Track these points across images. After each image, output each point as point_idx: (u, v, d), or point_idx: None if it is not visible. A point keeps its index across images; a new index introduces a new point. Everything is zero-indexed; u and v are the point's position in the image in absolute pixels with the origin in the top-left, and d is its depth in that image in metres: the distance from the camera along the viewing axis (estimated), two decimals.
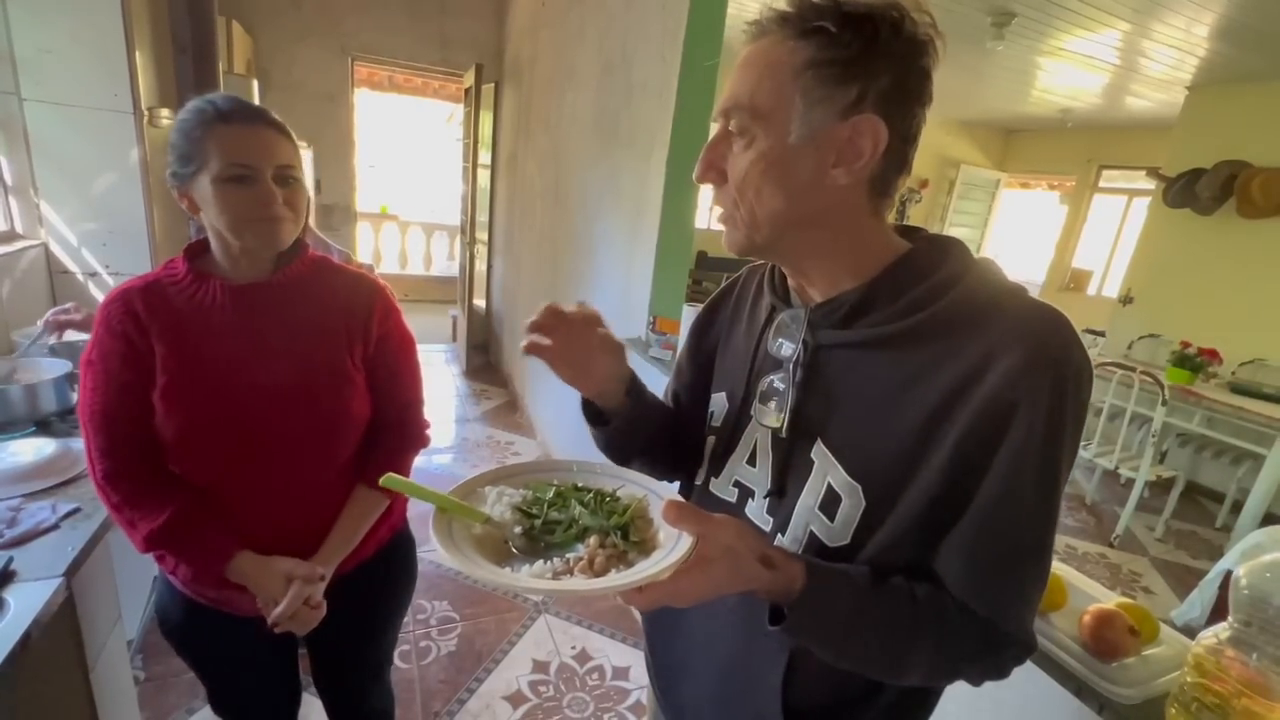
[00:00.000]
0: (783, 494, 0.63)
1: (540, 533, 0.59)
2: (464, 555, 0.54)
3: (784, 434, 0.62)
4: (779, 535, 0.63)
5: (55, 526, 1.04)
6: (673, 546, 0.53)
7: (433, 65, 4.54)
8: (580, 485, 0.65)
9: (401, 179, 8.59)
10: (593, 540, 0.56)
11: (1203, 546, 3.33)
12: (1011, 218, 8.62)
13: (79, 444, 1.28)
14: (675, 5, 2.00)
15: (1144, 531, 3.39)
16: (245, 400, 0.92)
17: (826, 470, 0.59)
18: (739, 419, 0.69)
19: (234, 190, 0.86)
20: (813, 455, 0.60)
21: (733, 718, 0.71)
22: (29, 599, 0.88)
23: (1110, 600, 0.92)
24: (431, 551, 2.45)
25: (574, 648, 2.08)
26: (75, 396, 1.55)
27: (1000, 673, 0.57)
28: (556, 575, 0.54)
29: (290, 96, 4.23)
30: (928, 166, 6.56)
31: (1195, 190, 3.95)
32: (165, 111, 2.36)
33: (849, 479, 0.57)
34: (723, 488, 0.70)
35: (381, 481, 0.60)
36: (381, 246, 6.56)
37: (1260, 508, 2.92)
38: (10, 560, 0.93)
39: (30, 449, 1.21)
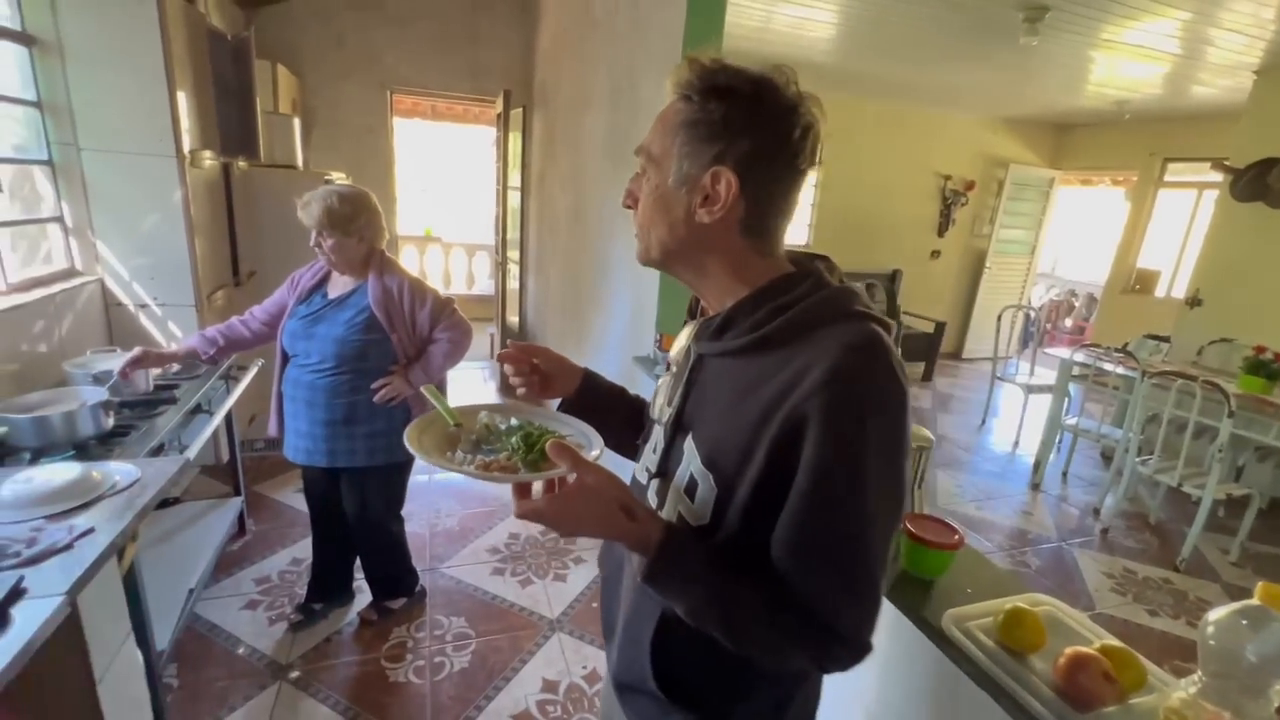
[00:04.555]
0: (664, 478, 0.74)
1: (482, 442, 0.80)
2: (418, 442, 0.76)
3: (667, 427, 0.75)
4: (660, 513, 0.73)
5: (69, 546, 1.12)
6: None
7: (465, 93, 4.72)
8: (540, 424, 0.83)
9: (447, 202, 8.91)
10: (503, 455, 0.74)
11: None
12: (1072, 217, 8.16)
13: (103, 468, 1.38)
14: (673, 26, 2.01)
15: (1217, 555, 3.11)
16: None
17: (690, 460, 0.69)
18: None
19: None
20: (684, 447, 0.71)
21: (631, 676, 0.78)
22: (32, 616, 0.96)
23: (1096, 642, 0.85)
24: (454, 568, 2.51)
25: (585, 667, 2.08)
26: (111, 422, 1.69)
27: (825, 665, 0.63)
28: (459, 465, 0.74)
29: (335, 132, 4.48)
30: (973, 167, 6.30)
31: (1267, 182, 3.64)
32: (208, 153, 2.55)
33: (703, 467, 0.67)
34: (640, 471, 0.82)
35: (422, 389, 0.87)
36: (426, 268, 6.81)
37: None
38: (22, 578, 1.01)
39: (59, 473, 1.31)
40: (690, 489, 0.68)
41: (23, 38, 2.02)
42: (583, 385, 0.93)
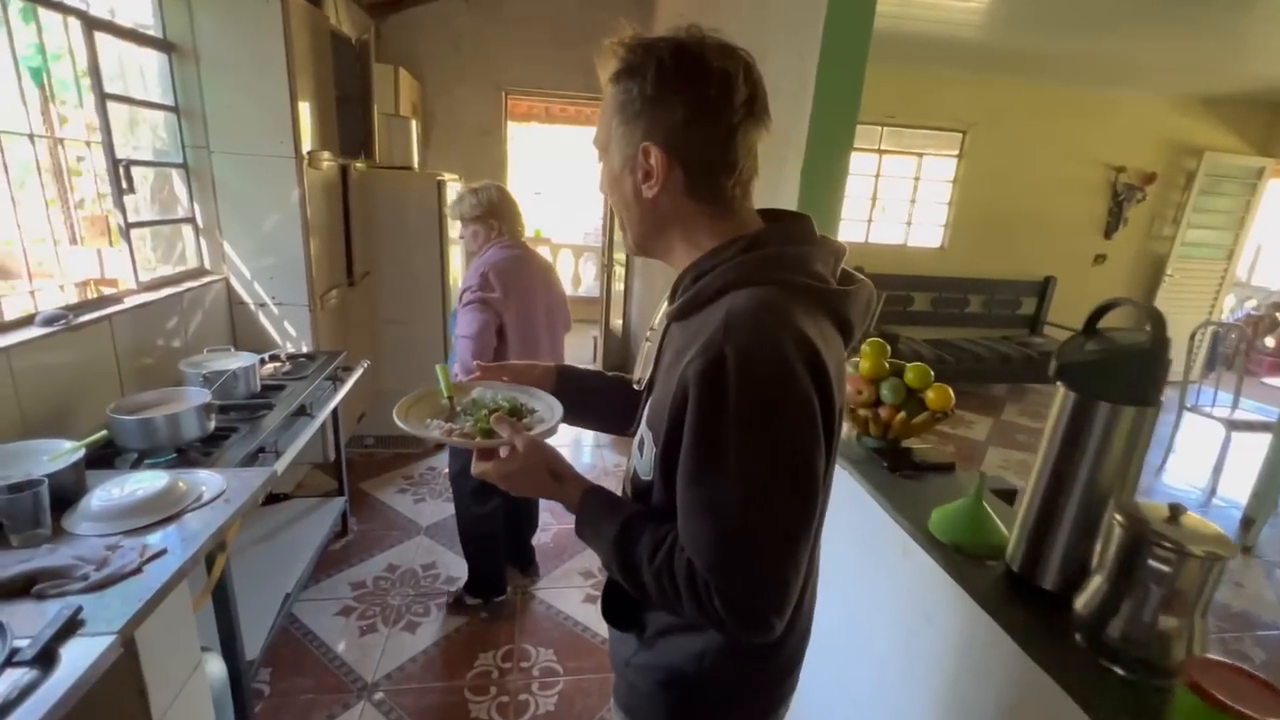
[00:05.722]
0: (635, 437, 0.78)
1: (461, 413, 0.89)
2: (405, 413, 0.87)
3: (640, 389, 0.81)
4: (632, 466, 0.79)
5: (138, 570, 1.04)
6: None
7: (578, 92, 4.63)
8: (519, 400, 0.92)
9: (560, 204, 9.02)
10: (468, 425, 0.83)
11: None
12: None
13: (190, 478, 1.33)
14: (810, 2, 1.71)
15: None
16: None
17: (643, 418, 0.74)
18: None
19: None
20: (645, 408, 0.75)
21: (601, 603, 0.84)
22: (81, 656, 0.86)
23: None
24: (545, 589, 2.36)
25: None
26: (213, 425, 1.67)
27: (717, 625, 0.61)
28: (426, 430, 0.84)
29: (452, 134, 4.55)
30: (1154, 157, 5.33)
31: None
32: (326, 154, 2.57)
33: (646, 426, 0.71)
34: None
35: (437, 366, 0.96)
36: None
37: None
38: (80, 609, 0.93)
39: (147, 483, 1.25)
40: (640, 446, 0.73)
41: (164, 45, 2.10)
42: (559, 381, 1.00)
